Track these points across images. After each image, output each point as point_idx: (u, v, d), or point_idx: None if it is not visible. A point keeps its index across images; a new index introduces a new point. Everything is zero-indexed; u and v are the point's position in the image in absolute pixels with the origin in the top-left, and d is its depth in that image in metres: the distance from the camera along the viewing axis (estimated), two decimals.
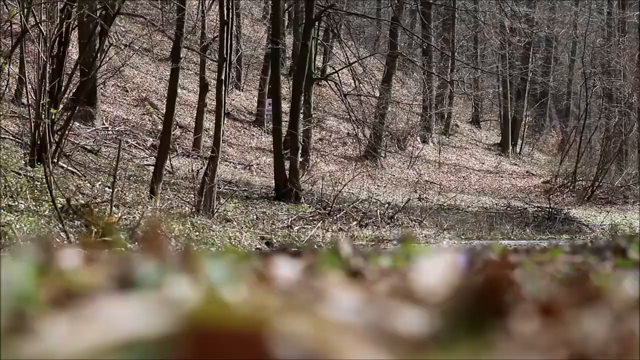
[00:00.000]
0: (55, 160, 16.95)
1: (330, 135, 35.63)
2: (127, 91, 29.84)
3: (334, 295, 0.99)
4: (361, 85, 27.67)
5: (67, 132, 18.15)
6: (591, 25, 44.87)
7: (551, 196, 29.51)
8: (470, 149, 41.81)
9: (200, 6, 26.87)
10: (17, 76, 21.36)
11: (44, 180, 14.69)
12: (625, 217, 27.43)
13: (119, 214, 15.24)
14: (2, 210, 13.43)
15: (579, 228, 24.28)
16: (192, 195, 18.78)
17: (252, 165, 28.63)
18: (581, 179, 34.56)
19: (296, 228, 19.17)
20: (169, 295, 0.91)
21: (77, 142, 22.02)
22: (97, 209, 14.62)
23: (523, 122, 44.86)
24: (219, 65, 18.83)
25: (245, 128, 32.50)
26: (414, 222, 21.95)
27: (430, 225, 21.89)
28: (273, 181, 23.64)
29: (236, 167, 27.58)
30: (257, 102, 33.79)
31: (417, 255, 1.61)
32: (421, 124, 38.87)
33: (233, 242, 16.00)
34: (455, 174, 36.93)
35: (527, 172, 39.82)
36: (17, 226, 12.75)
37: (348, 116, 28.61)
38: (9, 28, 20.61)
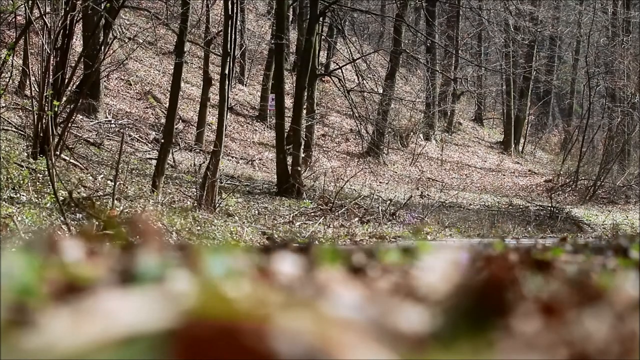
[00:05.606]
0: (58, 153, 16.95)
1: (333, 131, 35.63)
2: (130, 84, 29.84)
3: (335, 291, 0.99)
4: (364, 81, 27.64)
5: (70, 125, 18.15)
6: (595, 24, 44.82)
7: (553, 195, 29.50)
8: (472, 147, 41.81)
9: (205, 0, 26.86)
10: (20, 68, 21.36)
11: (46, 172, 14.70)
12: (627, 217, 27.42)
13: (121, 208, 15.24)
14: (4, 202, 13.44)
15: (580, 227, 24.27)
16: (194, 190, 18.79)
17: (254, 160, 28.63)
18: (583, 178, 34.56)
19: (297, 224, 19.16)
20: (170, 289, 0.91)
21: (80, 135, 22.02)
22: (99, 202, 14.62)
23: (526, 121, 44.85)
24: (222, 59, 18.82)
25: (248, 123, 32.50)
26: (415, 219, 21.94)
27: (432, 223, 21.88)
28: (275, 176, 23.64)
29: (238, 162, 27.58)
30: (260, 97, 33.80)
31: (419, 252, 1.61)
32: (424, 121, 38.85)
33: (234, 237, 16.00)
34: (458, 171, 36.93)
35: (529, 170, 39.82)
36: (19, 218, 12.75)
37: (351, 112, 28.60)
38: (14, 20, 20.63)
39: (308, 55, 24.16)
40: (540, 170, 39.87)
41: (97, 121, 24.68)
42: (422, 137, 38.32)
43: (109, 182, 17.29)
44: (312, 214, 20.52)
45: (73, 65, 18.49)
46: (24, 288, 0.92)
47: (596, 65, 41.91)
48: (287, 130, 24.06)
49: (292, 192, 22.35)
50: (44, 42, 16.58)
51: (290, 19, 33.64)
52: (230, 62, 19.12)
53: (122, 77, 29.72)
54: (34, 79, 17.40)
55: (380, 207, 21.85)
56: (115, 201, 15.12)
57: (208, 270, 1.08)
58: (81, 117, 23.38)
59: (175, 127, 23.18)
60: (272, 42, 30.24)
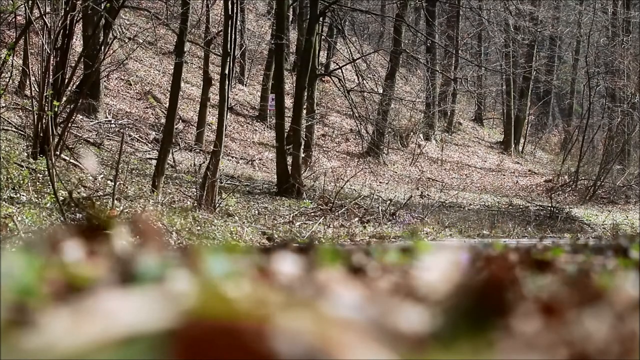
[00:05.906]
0: (58, 153, 16.95)
1: (333, 131, 35.63)
2: (130, 84, 29.84)
3: (335, 291, 0.99)
4: (364, 81, 27.64)
5: (70, 125, 18.15)
6: (595, 24, 44.82)
7: (553, 195, 29.51)
8: (472, 147, 41.81)
9: (205, 0, 26.86)
10: (20, 68, 21.36)
11: (46, 172, 14.70)
12: (627, 217, 27.42)
13: (121, 208, 15.23)
14: (4, 202, 13.44)
15: (580, 227, 24.26)
16: (194, 190, 18.79)
17: (254, 160, 28.63)
18: (583, 178, 34.56)
19: (298, 224, 19.16)
20: (170, 289, 0.91)
21: (80, 135, 22.02)
22: (98, 202, 14.62)
23: (526, 121, 44.86)
24: (222, 59, 18.82)
25: (248, 123, 32.50)
26: (415, 220, 21.94)
27: (432, 223, 21.88)
28: (275, 176, 23.64)
29: (238, 162, 27.58)
30: (260, 97, 33.80)
31: (419, 252, 1.61)
32: (424, 121, 38.84)
33: (234, 237, 16.00)
34: (458, 171, 36.93)
35: (529, 170, 39.82)
36: (19, 218, 12.75)
37: (351, 112, 28.60)
38: (14, 20, 20.63)
39: (308, 55, 24.16)
40: (540, 170, 39.86)
41: (97, 121, 24.67)
42: (422, 137, 38.31)
43: (108, 182, 17.29)
44: (312, 214, 20.52)
45: (73, 65, 18.49)
46: (24, 288, 0.92)
47: (596, 65, 41.91)
48: (287, 130, 24.06)
49: (292, 192, 22.35)
50: (44, 42, 16.57)
51: (290, 19, 33.63)
52: (230, 62, 19.12)
53: (122, 77, 29.71)
54: (34, 79, 17.39)
55: (380, 207, 21.84)
56: (115, 201, 15.12)
57: (208, 271, 1.08)
58: (81, 117, 23.38)
59: (175, 127, 23.17)
60: (272, 42, 30.23)
